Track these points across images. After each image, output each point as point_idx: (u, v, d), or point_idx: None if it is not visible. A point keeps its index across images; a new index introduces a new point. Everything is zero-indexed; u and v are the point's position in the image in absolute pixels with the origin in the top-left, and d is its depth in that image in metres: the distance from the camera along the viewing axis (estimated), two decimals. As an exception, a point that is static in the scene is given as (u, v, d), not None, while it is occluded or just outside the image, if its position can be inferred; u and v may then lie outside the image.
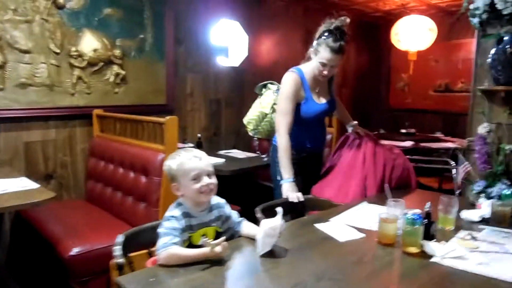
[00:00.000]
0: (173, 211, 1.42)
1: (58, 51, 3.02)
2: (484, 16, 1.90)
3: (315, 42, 2.16)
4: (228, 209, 1.55)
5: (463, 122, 5.28)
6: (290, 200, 2.01)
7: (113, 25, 3.31)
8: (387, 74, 6.34)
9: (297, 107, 2.23)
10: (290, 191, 2.06)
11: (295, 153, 2.21)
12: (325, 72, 2.15)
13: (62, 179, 3.19)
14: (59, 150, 3.15)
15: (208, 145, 4.12)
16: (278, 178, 2.20)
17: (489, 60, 1.93)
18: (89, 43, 3.18)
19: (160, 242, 1.34)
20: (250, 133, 2.58)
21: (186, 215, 1.42)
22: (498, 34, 1.87)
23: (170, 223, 1.37)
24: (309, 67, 2.24)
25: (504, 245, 1.45)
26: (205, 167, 1.44)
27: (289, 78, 2.21)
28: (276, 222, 1.35)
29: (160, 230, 1.37)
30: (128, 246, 1.53)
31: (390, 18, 5.72)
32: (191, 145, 3.81)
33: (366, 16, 5.68)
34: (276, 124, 2.22)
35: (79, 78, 3.16)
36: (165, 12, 3.63)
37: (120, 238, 1.48)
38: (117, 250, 1.42)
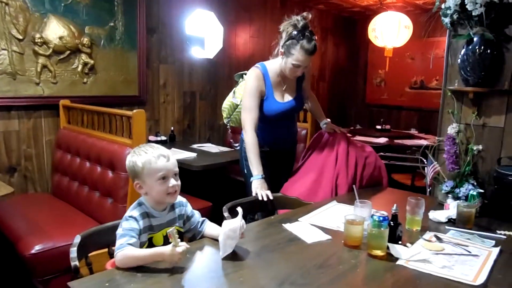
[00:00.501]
0: (132, 211, 1.36)
1: (21, 37, 2.87)
2: (455, 16, 1.89)
3: (286, 43, 2.08)
4: (189, 208, 1.51)
5: (437, 119, 5.37)
6: (259, 198, 1.98)
7: (81, 12, 3.17)
8: (364, 70, 6.37)
9: (261, 104, 2.20)
10: (259, 189, 2.02)
11: (261, 147, 2.19)
12: (299, 73, 2.15)
13: (26, 172, 3.06)
14: (23, 142, 3.01)
15: (182, 138, 4.04)
16: (245, 171, 2.23)
17: (459, 60, 1.92)
18: (55, 30, 3.04)
19: (117, 243, 1.29)
20: (224, 121, 2.54)
21: (146, 215, 1.37)
22: (468, 35, 1.87)
23: (128, 223, 1.32)
24: (276, 64, 2.20)
25: (467, 247, 1.46)
26: (173, 168, 1.38)
27: (252, 74, 2.18)
28: (236, 223, 1.30)
29: (118, 231, 1.32)
30: (87, 246, 1.47)
31: (368, 13, 5.73)
32: (164, 138, 3.73)
33: (344, 10, 5.67)
34: (242, 121, 2.20)
35: (44, 66, 3.02)
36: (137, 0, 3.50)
37: (76, 239, 1.41)
38: (73, 252, 1.36)
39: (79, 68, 3.21)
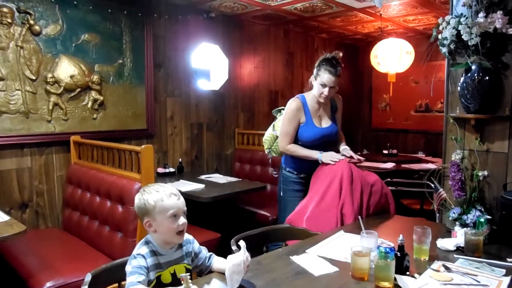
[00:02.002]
0: (140, 249, 1.39)
1: (34, 77, 2.99)
2: (452, 46, 1.94)
3: (315, 70, 2.47)
4: (197, 245, 1.53)
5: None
6: (336, 160, 2.33)
7: (90, 51, 3.30)
8: (368, 95, 6.43)
9: (300, 130, 2.52)
10: (329, 156, 2.38)
11: (296, 173, 2.57)
12: (325, 93, 2.43)
13: (38, 208, 3.12)
14: (34, 178, 3.08)
15: (190, 169, 4.09)
16: (281, 193, 2.62)
17: (459, 88, 1.96)
18: (66, 69, 3.16)
19: (128, 280, 1.31)
20: (266, 151, 2.85)
21: (153, 253, 1.39)
22: (466, 64, 1.91)
23: (136, 261, 1.34)
24: (311, 94, 2.54)
25: (476, 277, 1.45)
26: (182, 207, 1.41)
27: (293, 103, 2.52)
28: (239, 257, 1.32)
29: (127, 268, 1.35)
30: (98, 283, 1.49)
31: (369, 40, 5.85)
32: (172, 169, 3.78)
33: (346, 38, 5.79)
34: (279, 144, 2.58)
35: (56, 104, 3.12)
36: (144, 37, 3.64)
37: (87, 278, 1.44)
38: (84, 291, 1.38)
39: (89, 105, 3.32)
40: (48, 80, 3.06)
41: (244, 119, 4.72)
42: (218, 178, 3.60)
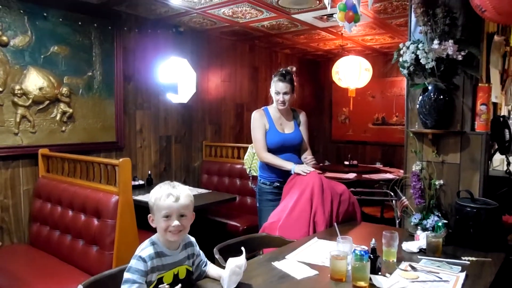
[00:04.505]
0: (143, 250, 1.42)
1: (0, 89, 2.92)
2: (412, 68, 2.17)
3: (271, 84, 2.77)
4: (197, 248, 1.60)
5: (399, 153, 5.76)
6: (307, 171, 2.49)
7: (60, 63, 3.28)
8: (329, 108, 6.73)
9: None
10: (302, 167, 2.54)
11: (269, 183, 2.75)
12: (281, 99, 2.71)
13: (2, 223, 3.02)
14: (-1, 193, 2.99)
15: (159, 182, 4.07)
16: (257, 204, 2.85)
17: (417, 106, 2.19)
18: (35, 81, 3.12)
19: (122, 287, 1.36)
20: (247, 171, 3.24)
21: (158, 254, 1.43)
22: (423, 84, 2.14)
23: (135, 263, 1.38)
24: (272, 106, 2.83)
25: (438, 274, 1.63)
26: (178, 209, 1.44)
27: (255, 113, 2.82)
28: (242, 260, 1.42)
29: (126, 271, 1.38)
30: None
31: (330, 56, 6.16)
32: (142, 182, 3.79)
33: (308, 54, 6.06)
34: (255, 150, 2.82)
35: (23, 116, 3.07)
36: (114, 50, 3.65)
37: (79, 289, 1.46)
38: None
39: (58, 117, 3.28)
40: (16, 92, 3.00)
41: (211, 131, 4.81)
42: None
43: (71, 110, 3.35)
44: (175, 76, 4.18)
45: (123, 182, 2.44)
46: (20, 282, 2.33)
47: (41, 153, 3.11)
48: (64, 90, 3.29)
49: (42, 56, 3.16)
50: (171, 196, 1.44)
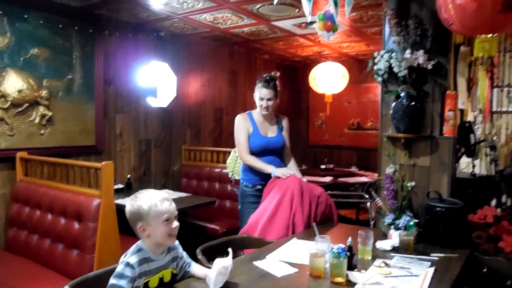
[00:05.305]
0: (131, 257, 1.44)
1: (-22, 92, 2.89)
2: (386, 76, 2.29)
3: (255, 89, 2.85)
4: (180, 250, 1.64)
5: (374, 157, 5.93)
6: (287, 175, 2.56)
7: (40, 65, 3.26)
8: (306, 113, 6.87)
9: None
10: (281, 171, 2.62)
11: (250, 186, 2.83)
12: (264, 104, 2.80)
13: (-23, 228, 2.97)
14: (-25, 197, 2.95)
15: (138, 186, 4.11)
16: (239, 207, 2.91)
17: (391, 111, 2.31)
18: (14, 84, 3.10)
19: None
20: (229, 175, 3.28)
21: (144, 260, 1.46)
22: (396, 91, 2.27)
23: (123, 269, 1.40)
24: (256, 111, 2.93)
25: (409, 269, 1.75)
26: (174, 211, 1.50)
27: (239, 117, 2.91)
28: (229, 261, 1.48)
29: (112, 279, 1.40)
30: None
31: (308, 62, 6.30)
32: (121, 186, 3.78)
33: (286, 60, 6.19)
34: (238, 153, 2.91)
35: (1, 119, 3.04)
36: (95, 53, 3.65)
37: (66, 290, 1.48)
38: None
39: (37, 120, 3.25)
40: (-6, 94, 2.97)
41: (191, 135, 4.84)
42: (169, 193, 3.67)
43: (50, 113, 3.33)
44: (155, 80, 4.20)
45: (106, 185, 2.46)
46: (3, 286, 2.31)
47: (20, 157, 3.08)
48: (44, 93, 3.28)
49: (21, 58, 3.14)
50: (165, 201, 1.48)
